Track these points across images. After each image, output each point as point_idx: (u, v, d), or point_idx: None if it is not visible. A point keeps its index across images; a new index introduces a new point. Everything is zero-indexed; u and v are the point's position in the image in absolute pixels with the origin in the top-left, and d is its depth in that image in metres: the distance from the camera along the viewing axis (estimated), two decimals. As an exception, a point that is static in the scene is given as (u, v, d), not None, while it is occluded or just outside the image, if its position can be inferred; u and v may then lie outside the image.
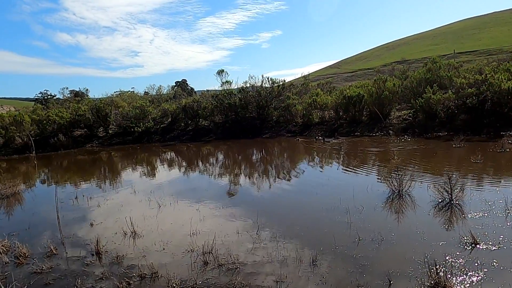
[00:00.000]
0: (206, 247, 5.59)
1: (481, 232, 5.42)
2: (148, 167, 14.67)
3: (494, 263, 4.52)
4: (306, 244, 5.61)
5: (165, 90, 43.43)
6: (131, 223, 6.74)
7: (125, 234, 6.61)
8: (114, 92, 39.54)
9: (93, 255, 5.89)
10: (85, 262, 5.66)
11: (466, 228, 5.56)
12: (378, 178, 9.51)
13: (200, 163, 15.05)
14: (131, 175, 13.10)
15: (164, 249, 5.85)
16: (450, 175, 7.14)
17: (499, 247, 4.94)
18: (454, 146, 12.39)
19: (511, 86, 14.69)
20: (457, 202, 6.86)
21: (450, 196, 6.96)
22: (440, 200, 7.04)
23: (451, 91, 16.09)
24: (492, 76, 15.64)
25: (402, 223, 6.23)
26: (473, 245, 5.05)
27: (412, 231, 5.75)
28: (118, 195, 9.85)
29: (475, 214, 6.21)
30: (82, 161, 18.29)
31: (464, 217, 6.20)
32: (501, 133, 14.02)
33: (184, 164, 15.19)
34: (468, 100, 15.30)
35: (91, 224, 7.41)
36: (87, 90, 47.53)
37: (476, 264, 4.54)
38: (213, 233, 6.14)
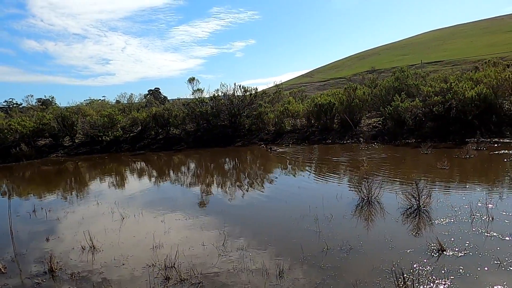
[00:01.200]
0: (168, 261, 5.29)
1: (447, 238, 5.40)
2: (116, 178, 14.13)
3: (461, 270, 4.47)
4: (274, 255, 5.42)
5: (137, 99, 42.46)
6: (90, 237, 6.34)
7: (83, 249, 6.20)
8: (84, 100, 38.37)
9: (46, 272, 5.46)
10: (36, 281, 5.24)
11: (433, 234, 5.53)
12: (348, 186, 9.49)
13: (171, 173, 14.65)
14: (97, 186, 12.56)
15: (123, 264, 5.50)
16: (417, 181, 7.15)
17: (465, 253, 4.91)
18: (422, 152, 12.61)
19: (475, 95, 15.19)
20: (424, 208, 6.87)
21: (418, 202, 6.97)
22: (408, 207, 7.04)
23: (418, 99, 16.48)
24: (456, 84, 16.16)
25: (371, 231, 6.15)
26: (440, 251, 5.01)
27: (381, 239, 5.67)
28: (80, 207, 9.35)
29: (442, 220, 6.21)
30: (46, 172, 17.45)
31: (431, 223, 6.19)
32: (466, 140, 14.41)
33: (154, 173, 14.75)
34: (434, 108, 15.70)
35: (47, 239, 6.93)
36: (53, 98, 45.79)
37: (443, 272, 4.47)
38: (177, 246, 5.85)
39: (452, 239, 5.38)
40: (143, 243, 6.33)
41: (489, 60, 21.52)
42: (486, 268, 4.48)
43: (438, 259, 4.86)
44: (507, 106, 16.24)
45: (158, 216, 7.89)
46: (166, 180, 12.95)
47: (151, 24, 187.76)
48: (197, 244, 6.04)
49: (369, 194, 7.74)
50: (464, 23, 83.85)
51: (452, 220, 6.14)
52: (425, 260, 4.81)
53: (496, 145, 13.01)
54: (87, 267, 5.55)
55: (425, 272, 4.51)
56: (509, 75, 15.89)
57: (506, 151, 11.73)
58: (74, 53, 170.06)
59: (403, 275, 4.21)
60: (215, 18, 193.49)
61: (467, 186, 8.47)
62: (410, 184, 8.67)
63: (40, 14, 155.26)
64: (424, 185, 7.37)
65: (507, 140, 13.71)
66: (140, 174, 14.75)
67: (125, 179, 13.68)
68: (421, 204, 6.94)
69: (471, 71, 20.10)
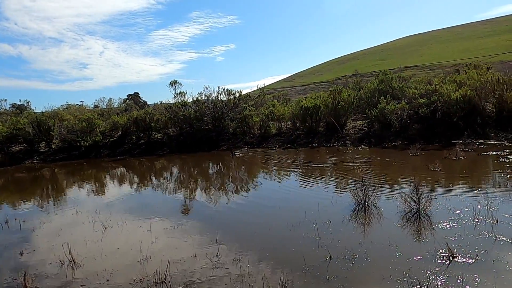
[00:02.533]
0: (158, 275, 4.81)
1: (455, 244, 5.13)
2: (96, 184, 13.43)
3: (477, 279, 4.19)
4: (273, 267, 5.01)
5: (116, 103, 41.27)
6: (69, 250, 5.77)
7: (62, 263, 5.63)
8: (61, 105, 36.99)
9: (19, 292, 4.89)
10: (9, 302, 4.66)
11: (440, 240, 5.26)
12: (342, 190, 9.19)
13: (153, 178, 14.05)
14: (76, 194, 11.87)
15: (108, 280, 4.98)
16: (417, 184, 6.90)
17: (477, 259, 4.64)
18: (410, 154, 12.49)
19: (459, 97, 15.27)
20: (424, 212, 6.63)
21: (417, 206, 6.72)
22: (407, 211, 6.78)
23: (404, 101, 16.47)
24: (441, 86, 16.24)
25: (373, 237, 5.84)
26: (450, 258, 4.73)
27: (385, 245, 5.35)
28: (58, 216, 8.71)
29: (445, 224, 5.96)
30: (20, 179, 16.54)
31: (434, 227, 5.92)
32: (452, 141, 14.43)
33: (136, 179, 14.12)
34: (420, 110, 15.71)
35: (21, 253, 6.30)
36: (28, 102, 44.06)
37: (459, 281, 4.18)
38: (167, 258, 5.37)
39: (460, 244, 5.12)
40: (128, 255, 5.81)
41: (470, 63, 21.84)
42: (503, 276, 4.21)
43: (448, 266, 4.57)
44: (489, 108, 16.41)
45: (143, 225, 7.35)
46: (149, 186, 12.36)
47: (130, 28, 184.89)
48: (189, 256, 5.57)
49: (365, 198, 7.46)
50: (439, 29, 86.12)
51: (455, 224, 5.90)
52: (437, 268, 4.51)
53: (482, 146, 13.03)
54: (66, 284, 5.00)
55: (440, 282, 4.20)
56: (491, 77, 16.08)
57: (494, 152, 11.73)
58: (50, 57, 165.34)
59: (419, 285, 3.89)
60: (194, 23, 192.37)
61: (464, 188, 8.31)
62: (405, 187, 8.48)
63: (14, 18, 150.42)
64: (423, 188, 7.11)
65: (493, 142, 13.77)
66: (122, 180, 14.10)
67: (106, 186, 13.01)
68: (421, 207, 6.69)
69: (453, 74, 20.33)
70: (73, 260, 5.64)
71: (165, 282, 4.72)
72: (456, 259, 4.69)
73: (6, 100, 43.91)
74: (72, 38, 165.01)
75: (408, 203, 6.80)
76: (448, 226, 5.87)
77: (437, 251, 4.95)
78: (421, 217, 6.49)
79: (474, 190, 7.96)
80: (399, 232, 5.91)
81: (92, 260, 5.73)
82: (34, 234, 7.43)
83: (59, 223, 8.08)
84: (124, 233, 6.97)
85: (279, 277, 4.60)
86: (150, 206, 9.13)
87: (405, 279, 4.26)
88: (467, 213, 6.33)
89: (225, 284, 4.62)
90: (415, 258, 4.83)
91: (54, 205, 10.31)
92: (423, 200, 6.69)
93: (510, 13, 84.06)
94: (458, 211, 6.47)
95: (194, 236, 6.50)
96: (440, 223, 6.04)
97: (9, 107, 45.68)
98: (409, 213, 6.70)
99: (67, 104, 39.44)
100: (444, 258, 4.76)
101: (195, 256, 5.54)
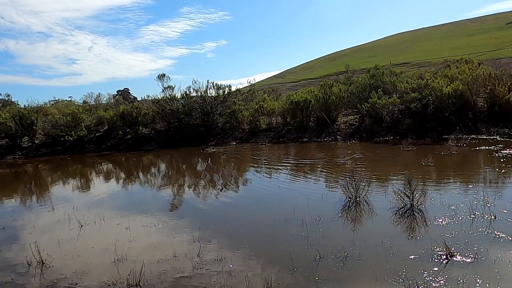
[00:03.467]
0: (132, 277, 4.39)
1: (452, 241, 4.81)
2: (79, 181, 12.88)
3: (478, 280, 3.86)
4: (259, 267, 4.64)
5: (105, 99, 40.31)
6: (38, 250, 5.32)
7: (29, 264, 5.17)
8: (49, 101, 36.04)
9: (-21, 297, 4.43)
10: (-35, 308, 4.21)
11: (436, 237, 4.92)
12: (332, 185, 8.86)
13: (140, 174, 13.55)
14: (56, 190, 11.34)
15: (77, 283, 4.54)
16: (410, 179, 6.58)
17: (477, 259, 4.32)
18: (402, 149, 12.23)
19: (451, 91, 15.06)
20: (418, 207, 6.31)
21: (411, 201, 6.40)
22: (400, 206, 6.46)
23: (396, 95, 16.21)
24: (433, 81, 16.01)
25: (365, 234, 5.49)
26: (448, 257, 4.40)
27: (378, 243, 5.01)
28: (32, 214, 8.20)
29: (441, 220, 5.65)
30: (0, 175, 15.87)
31: (429, 224, 5.60)
32: (444, 136, 14.23)
33: (121, 175, 13.61)
34: (412, 105, 15.47)
35: (-13, 254, 5.83)
36: (8, 95, 42.69)
37: (459, 282, 3.85)
38: (143, 258, 4.95)
39: (458, 242, 4.80)
40: (103, 255, 5.37)
41: (461, 58, 21.70)
42: (505, 277, 3.90)
43: (447, 266, 4.25)
44: (480, 103, 16.25)
45: (122, 222, 6.90)
46: (133, 183, 11.88)
47: (120, 23, 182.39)
48: (168, 256, 5.15)
49: (356, 193, 7.13)
50: (429, 27, 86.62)
51: (451, 221, 5.59)
52: (435, 268, 4.18)
53: (474, 141, 12.83)
54: (32, 287, 4.56)
55: (439, 284, 3.87)
56: (483, 71, 15.90)
57: (486, 147, 11.53)
58: (37, 52, 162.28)
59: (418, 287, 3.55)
60: (185, 18, 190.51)
61: (458, 183, 8.04)
62: (397, 183, 8.18)
63: (0, 11, 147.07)
64: (416, 183, 6.79)
65: (484, 137, 13.59)
66: (106, 176, 13.57)
67: (88, 182, 12.48)
68: (414, 203, 6.38)
69: (444, 69, 20.15)
70: (42, 261, 5.18)
71: (139, 285, 4.31)
72: (454, 258, 4.37)
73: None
74: (60, 33, 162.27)
75: (402, 198, 6.48)
76: (443, 222, 5.56)
77: (434, 250, 4.62)
78: (415, 213, 6.17)
79: (469, 185, 7.68)
80: (393, 229, 5.58)
81: (63, 260, 5.27)
82: (4, 232, 6.90)
83: (32, 221, 7.57)
84: (101, 232, 6.52)
85: (264, 279, 4.22)
86: (132, 203, 8.68)
87: (401, 280, 3.93)
88: (463, 209, 6.03)
89: (205, 287, 4.22)
90: (410, 257, 4.50)
91: (29, 201, 9.80)
92: (416, 195, 6.38)
93: (499, 11, 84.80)
94: (453, 207, 6.16)
95: (176, 234, 6.08)
96: (435, 219, 5.72)
97: (-3, 103, 44.37)
98: (402, 209, 6.38)
99: (55, 100, 38.51)
100: (442, 257, 4.43)
101: (175, 256, 5.12)
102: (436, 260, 4.38)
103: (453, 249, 4.54)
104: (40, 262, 5.18)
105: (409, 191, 6.44)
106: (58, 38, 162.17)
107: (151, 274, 4.58)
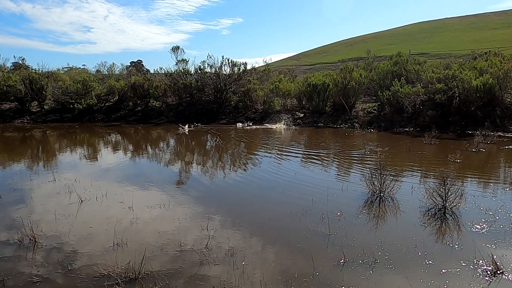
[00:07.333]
0: (131, 269, 3.88)
1: (498, 253, 4.21)
2: (85, 151, 12.43)
3: (537, 306, 3.28)
4: (275, 267, 4.09)
5: (118, 70, 39.59)
6: (31, 226, 4.84)
7: (20, 243, 4.68)
8: (63, 67, 35.52)
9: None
10: None
11: (477, 246, 4.33)
12: (353, 177, 8.23)
13: (148, 148, 13.06)
14: (60, 159, 10.90)
15: (69, 269, 4.05)
16: (445, 177, 5.94)
17: (531, 278, 3.73)
18: (425, 142, 11.52)
19: (480, 85, 14.16)
20: (451, 209, 5.70)
21: (444, 202, 5.78)
22: (430, 206, 5.86)
23: (420, 85, 15.35)
24: (461, 72, 15.09)
25: (393, 236, 4.89)
26: (495, 273, 3.81)
27: (410, 249, 4.43)
28: (32, 183, 7.74)
29: (479, 226, 5.03)
30: (5, 139, 15.52)
31: (466, 231, 4.99)
32: (467, 131, 13.48)
33: (128, 148, 13.13)
34: (436, 96, 14.61)
35: (-24, 226, 5.36)
36: (23, 59, 42.11)
37: (515, 308, 3.27)
38: (145, 246, 4.45)
39: (505, 255, 4.20)
40: (100, 238, 4.86)
41: (489, 51, 20.57)
42: None
43: (494, 284, 3.66)
44: (508, 100, 15.33)
45: (125, 200, 6.40)
46: (141, 156, 11.39)
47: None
48: (173, 244, 4.63)
49: (381, 188, 6.52)
50: (451, 17, 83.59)
51: (492, 228, 4.97)
52: (479, 286, 3.60)
53: (501, 139, 12.06)
54: (17, 271, 4.06)
55: (490, 307, 3.30)
56: (516, 66, 14.89)
57: (516, 146, 10.77)
58: (53, 18, 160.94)
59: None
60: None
61: (492, 185, 7.37)
62: (424, 179, 7.56)
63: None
64: (450, 182, 6.14)
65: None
66: (113, 147, 13.10)
67: (95, 153, 12.03)
68: (447, 204, 5.76)
69: (472, 60, 19.10)
70: (35, 240, 4.70)
71: (138, 279, 3.80)
72: (504, 276, 3.78)
73: (8, 59, 41.82)
74: (76, 0, 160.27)
75: (434, 198, 5.86)
76: (483, 230, 4.94)
77: (477, 262, 4.03)
78: (448, 215, 5.56)
79: (506, 187, 7.01)
80: (424, 233, 4.98)
81: (56, 240, 4.77)
82: None
83: (30, 191, 7.11)
84: (102, 209, 6.01)
85: (281, 284, 3.68)
86: (139, 178, 8.12)
87: (444, 299, 3.36)
88: (503, 215, 5.40)
89: (213, 286, 3.70)
90: (451, 270, 3.91)
91: (33, 168, 9.36)
92: (451, 195, 5.75)
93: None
94: (491, 212, 5.53)
95: (182, 219, 5.54)
96: (472, 225, 5.11)
97: (11, 65, 43.83)
98: (432, 210, 5.78)
99: (69, 67, 38.00)
100: (488, 273, 3.85)
101: (181, 245, 4.59)
102: (481, 276, 3.79)
103: (499, 263, 3.95)
104: (32, 240, 4.70)
105: (443, 190, 5.81)
106: (74, 4, 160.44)
107: (153, 264, 4.07)
